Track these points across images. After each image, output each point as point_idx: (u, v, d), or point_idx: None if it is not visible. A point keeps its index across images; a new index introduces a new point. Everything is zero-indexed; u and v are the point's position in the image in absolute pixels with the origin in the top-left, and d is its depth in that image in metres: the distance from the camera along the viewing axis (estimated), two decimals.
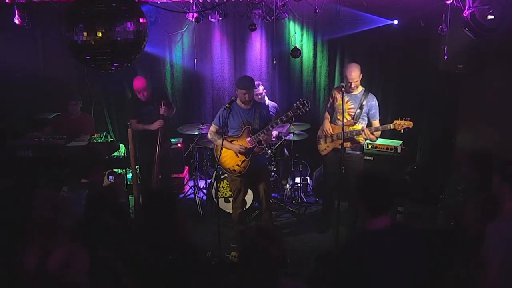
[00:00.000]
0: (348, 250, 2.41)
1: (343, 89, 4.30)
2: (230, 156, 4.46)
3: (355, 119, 4.56)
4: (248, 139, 4.37)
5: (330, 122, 4.76)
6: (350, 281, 2.29)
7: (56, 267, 2.34)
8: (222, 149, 4.32)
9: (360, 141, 4.61)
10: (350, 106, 4.58)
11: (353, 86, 4.50)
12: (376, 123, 4.59)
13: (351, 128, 4.54)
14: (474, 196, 2.94)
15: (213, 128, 4.50)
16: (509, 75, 4.47)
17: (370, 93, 4.61)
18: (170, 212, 2.64)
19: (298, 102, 4.23)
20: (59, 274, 2.34)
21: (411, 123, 4.33)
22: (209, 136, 4.56)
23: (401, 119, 4.34)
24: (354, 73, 4.45)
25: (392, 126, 4.37)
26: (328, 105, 4.82)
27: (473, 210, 2.79)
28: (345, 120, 4.49)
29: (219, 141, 4.34)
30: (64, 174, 2.95)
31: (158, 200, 2.67)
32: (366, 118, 4.60)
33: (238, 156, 4.43)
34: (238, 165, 4.44)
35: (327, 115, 4.82)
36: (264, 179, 4.60)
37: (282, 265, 2.16)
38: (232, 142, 4.41)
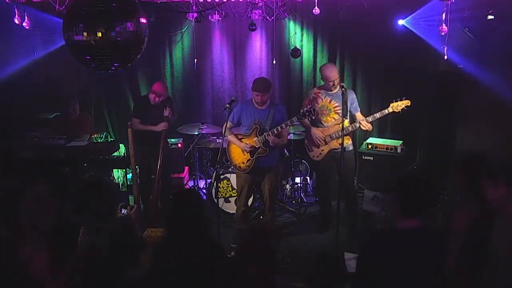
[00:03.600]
0: (372, 246, 2.41)
1: (343, 89, 4.31)
2: (238, 153, 4.53)
3: (344, 115, 4.57)
4: (255, 139, 4.40)
5: (313, 125, 4.69)
6: (370, 276, 2.31)
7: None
8: (224, 147, 4.42)
9: (365, 129, 4.62)
10: (335, 104, 4.61)
11: (335, 83, 4.54)
12: (359, 115, 4.66)
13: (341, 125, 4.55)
14: (463, 205, 2.94)
15: (228, 124, 4.51)
16: (509, 75, 4.47)
17: (347, 89, 4.61)
18: (200, 212, 2.66)
19: (305, 109, 4.28)
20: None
21: (409, 101, 4.38)
22: (223, 130, 4.56)
23: (396, 100, 4.40)
24: (334, 72, 4.53)
25: (390, 109, 4.42)
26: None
27: (460, 219, 2.75)
28: (333, 120, 4.56)
29: (229, 137, 4.48)
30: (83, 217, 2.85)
31: (187, 201, 2.69)
32: (349, 113, 4.66)
33: (244, 154, 4.48)
34: (243, 162, 4.49)
35: (307, 122, 4.68)
36: (270, 180, 4.57)
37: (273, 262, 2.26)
38: (241, 140, 4.47)
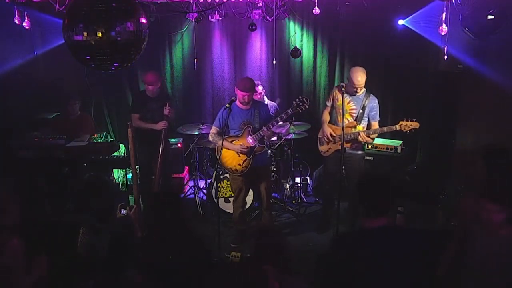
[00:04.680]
0: (341, 245, 2.41)
1: (343, 89, 4.28)
2: (231, 156, 4.47)
3: (358, 120, 4.57)
4: (249, 138, 4.38)
5: (331, 123, 4.75)
6: (342, 276, 2.30)
7: None
8: (222, 149, 4.35)
9: (361, 141, 4.61)
10: (352, 107, 4.57)
11: (358, 90, 4.50)
12: (375, 124, 4.60)
13: (353, 129, 4.54)
14: (472, 192, 2.85)
15: (213, 129, 4.52)
16: (509, 75, 4.47)
17: (371, 94, 4.62)
18: (177, 210, 2.68)
19: (297, 100, 4.24)
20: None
21: (418, 124, 4.33)
22: (210, 138, 4.60)
23: (407, 120, 4.34)
24: (361, 78, 4.43)
25: (398, 127, 4.37)
26: (328, 104, 4.78)
27: (467, 205, 2.67)
28: (347, 122, 4.51)
29: (220, 142, 4.35)
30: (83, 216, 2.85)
31: (164, 200, 2.70)
32: (367, 119, 4.61)
33: (239, 156, 4.44)
34: (239, 164, 4.45)
35: (325, 117, 4.77)
36: (265, 179, 4.61)
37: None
38: (233, 142, 4.43)
